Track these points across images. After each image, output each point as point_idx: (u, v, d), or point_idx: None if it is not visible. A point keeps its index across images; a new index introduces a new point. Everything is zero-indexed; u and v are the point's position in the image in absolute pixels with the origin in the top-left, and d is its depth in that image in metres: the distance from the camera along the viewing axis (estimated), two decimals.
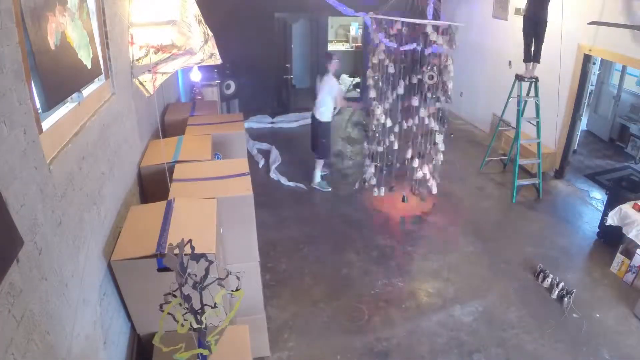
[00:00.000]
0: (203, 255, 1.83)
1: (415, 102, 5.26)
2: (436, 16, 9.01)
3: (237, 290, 1.84)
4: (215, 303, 1.82)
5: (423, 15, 8.65)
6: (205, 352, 1.86)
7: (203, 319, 1.79)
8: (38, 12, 1.69)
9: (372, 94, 5.29)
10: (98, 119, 2.38)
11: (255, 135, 7.61)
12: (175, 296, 1.71)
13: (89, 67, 2.28)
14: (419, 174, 5.37)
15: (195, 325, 1.78)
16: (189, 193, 2.73)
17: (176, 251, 1.72)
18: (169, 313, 1.69)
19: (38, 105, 1.70)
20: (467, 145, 7.59)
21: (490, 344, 3.54)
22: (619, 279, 4.25)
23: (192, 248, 1.79)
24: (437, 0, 8.76)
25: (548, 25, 6.07)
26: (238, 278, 1.84)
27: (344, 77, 10.62)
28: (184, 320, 1.74)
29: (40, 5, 1.71)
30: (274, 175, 6.26)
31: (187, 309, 1.75)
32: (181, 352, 1.73)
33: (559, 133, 6.17)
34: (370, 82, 5.33)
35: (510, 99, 5.97)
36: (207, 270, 1.80)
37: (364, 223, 5.24)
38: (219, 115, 4.92)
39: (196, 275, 1.79)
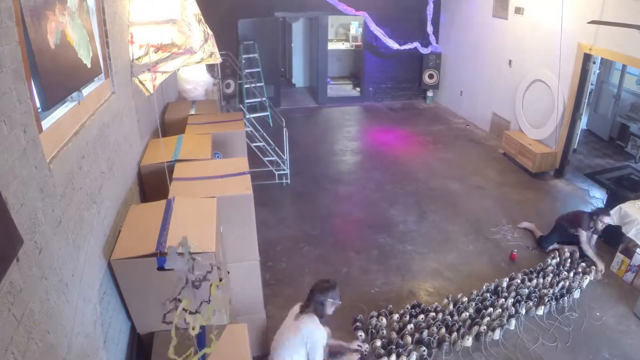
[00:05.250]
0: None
1: None
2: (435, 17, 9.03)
3: (220, 280, 1.83)
4: (210, 296, 1.80)
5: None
6: (209, 350, 1.85)
7: (210, 314, 1.77)
8: (38, 11, 1.69)
9: None
10: (98, 118, 2.38)
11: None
12: (180, 300, 1.69)
13: (89, 66, 2.28)
14: None
15: (203, 323, 1.76)
16: (189, 192, 2.73)
17: (180, 250, 1.70)
18: (170, 322, 1.67)
19: (38, 104, 1.70)
20: (468, 144, 7.60)
21: (490, 344, 3.54)
22: (619, 278, 4.26)
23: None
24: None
25: (548, 25, 6.08)
26: (221, 269, 1.83)
27: None
28: (192, 322, 1.72)
29: (40, 4, 1.71)
30: None
31: (193, 310, 1.73)
32: (192, 358, 1.72)
33: (559, 132, 6.17)
34: None
35: None
36: (192, 268, 1.79)
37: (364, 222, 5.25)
38: (219, 114, 4.93)
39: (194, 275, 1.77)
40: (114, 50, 2.77)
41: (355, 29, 11.00)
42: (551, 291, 3.95)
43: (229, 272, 2.83)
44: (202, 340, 1.97)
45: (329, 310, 2.90)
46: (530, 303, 3.84)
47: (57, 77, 1.88)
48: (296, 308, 2.95)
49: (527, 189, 6.01)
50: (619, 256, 4.28)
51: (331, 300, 2.88)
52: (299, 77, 11.02)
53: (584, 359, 3.43)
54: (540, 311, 3.81)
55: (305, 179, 6.27)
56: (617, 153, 6.96)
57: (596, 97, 7.48)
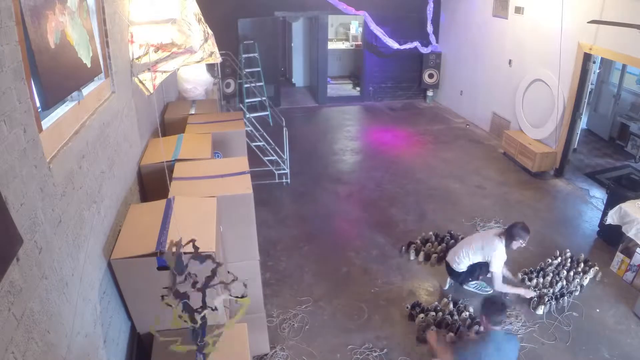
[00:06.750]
0: (209, 256, 1.81)
1: None
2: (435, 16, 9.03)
3: (242, 297, 1.82)
4: (215, 306, 1.80)
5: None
6: (208, 350, 1.85)
7: (198, 318, 1.78)
8: (38, 11, 1.69)
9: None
10: (98, 117, 2.38)
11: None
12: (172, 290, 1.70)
13: (89, 65, 2.28)
14: None
15: (189, 324, 1.77)
16: (189, 191, 2.73)
17: (174, 249, 1.72)
18: (168, 304, 1.67)
19: (38, 103, 1.70)
20: (467, 144, 7.59)
21: None
22: (619, 277, 4.25)
23: (196, 248, 1.78)
24: None
25: (548, 24, 6.08)
26: (245, 285, 1.81)
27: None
28: (179, 317, 1.72)
29: (40, 4, 1.71)
30: None
31: (182, 308, 1.73)
32: (178, 345, 1.72)
33: (559, 132, 6.17)
34: None
35: None
36: (213, 272, 1.78)
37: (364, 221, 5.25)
38: (218, 113, 4.92)
39: (196, 275, 1.78)
40: (114, 49, 2.77)
41: (355, 28, 11.00)
42: (551, 291, 3.95)
43: (229, 272, 2.83)
44: (197, 340, 1.97)
45: (515, 245, 3.81)
46: (531, 303, 3.84)
47: (57, 77, 1.88)
48: (493, 230, 4.00)
49: (527, 188, 6.01)
50: (619, 256, 4.28)
51: (522, 240, 3.79)
52: (299, 76, 11.02)
53: (584, 358, 3.43)
54: (540, 311, 3.81)
55: (305, 179, 6.27)
56: (617, 152, 6.96)
57: (596, 97, 7.48)
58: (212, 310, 1.80)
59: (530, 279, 4.12)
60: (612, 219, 4.26)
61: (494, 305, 2.97)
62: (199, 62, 3.60)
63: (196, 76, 5.48)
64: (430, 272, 4.40)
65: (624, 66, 6.81)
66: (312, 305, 3.94)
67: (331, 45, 10.25)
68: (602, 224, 4.77)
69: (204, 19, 3.64)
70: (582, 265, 4.29)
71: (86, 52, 2.24)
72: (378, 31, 8.81)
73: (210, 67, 6.08)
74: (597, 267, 4.26)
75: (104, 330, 2.10)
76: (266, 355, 3.42)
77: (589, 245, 4.81)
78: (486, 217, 5.27)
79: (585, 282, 4.12)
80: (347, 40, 11.40)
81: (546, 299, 3.83)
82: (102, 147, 2.41)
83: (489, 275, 3.99)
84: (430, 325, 3.62)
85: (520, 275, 4.18)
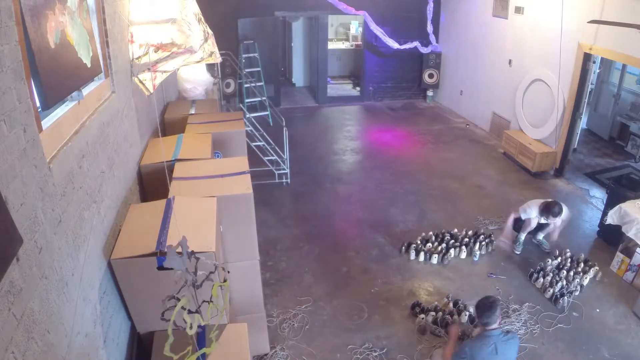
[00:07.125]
0: (192, 252, 1.82)
1: None
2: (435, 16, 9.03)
3: (224, 281, 1.85)
4: (212, 296, 1.81)
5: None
6: (208, 350, 1.86)
7: (208, 314, 1.79)
8: (38, 11, 1.69)
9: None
10: (98, 117, 2.38)
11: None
12: (178, 299, 1.70)
13: (89, 65, 2.28)
14: None
15: (202, 323, 1.77)
16: (189, 191, 2.73)
17: (179, 249, 1.71)
18: (167, 320, 1.67)
19: (38, 103, 1.70)
20: (468, 144, 7.59)
21: None
22: (619, 277, 4.26)
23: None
24: None
25: (548, 24, 6.08)
26: (226, 270, 1.85)
27: None
28: (190, 321, 1.72)
29: (40, 4, 1.71)
30: None
31: (193, 309, 1.73)
32: (189, 357, 1.72)
33: (559, 132, 6.17)
34: None
35: None
36: (196, 268, 1.80)
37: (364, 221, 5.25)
38: (218, 113, 4.92)
39: (193, 273, 1.78)
40: (114, 49, 2.77)
41: (355, 28, 10.99)
42: (551, 291, 3.95)
43: (229, 272, 2.83)
44: (201, 340, 1.98)
45: (545, 219, 4.46)
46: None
47: (57, 77, 1.88)
48: (539, 200, 4.56)
49: (527, 188, 6.01)
50: (619, 256, 4.28)
51: (546, 217, 4.43)
52: (299, 76, 11.02)
53: (584, 358, 3.43)
54: (539, 283, 3.83)
55: (305, 179, 6.27)
56: (617, 152, 6.96)
57: (596, 97, 7.48)
58: (209, 302, 1.80)
59: (537, 279, 4.13)
60: (612, 219, 4.26)
61: (484, 305, 2.91)
62: (199, 62, 3.60)
63: (196, 76, 5.48)
64: (430, 272, 4.40)
65: (624, 66, 6.81)
66: (312, 305, 3.94)
67: (331, 45, 10.24)
68: (602, 224, 4.77)
69: (204, 19, 3.64)
70: (582, 265, 4.30)
71: (86, 52, 2.24)
72: (378, 31, 8.81)
73: (210, 67, 6.08)
74: (597, 267, 4.27)
75: (104, 330, 2.10)
76: (266, 355, 3.42)
77: (589, 245, 4.81)
78: (486, 217, 5.27)
79: (585, 282, 4.12)
80: (347, 40, 11.38)
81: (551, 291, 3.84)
82: (102, 147, 2.41)
83: (539, 237, 4.77)
84: (430, 326, 3.62)
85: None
